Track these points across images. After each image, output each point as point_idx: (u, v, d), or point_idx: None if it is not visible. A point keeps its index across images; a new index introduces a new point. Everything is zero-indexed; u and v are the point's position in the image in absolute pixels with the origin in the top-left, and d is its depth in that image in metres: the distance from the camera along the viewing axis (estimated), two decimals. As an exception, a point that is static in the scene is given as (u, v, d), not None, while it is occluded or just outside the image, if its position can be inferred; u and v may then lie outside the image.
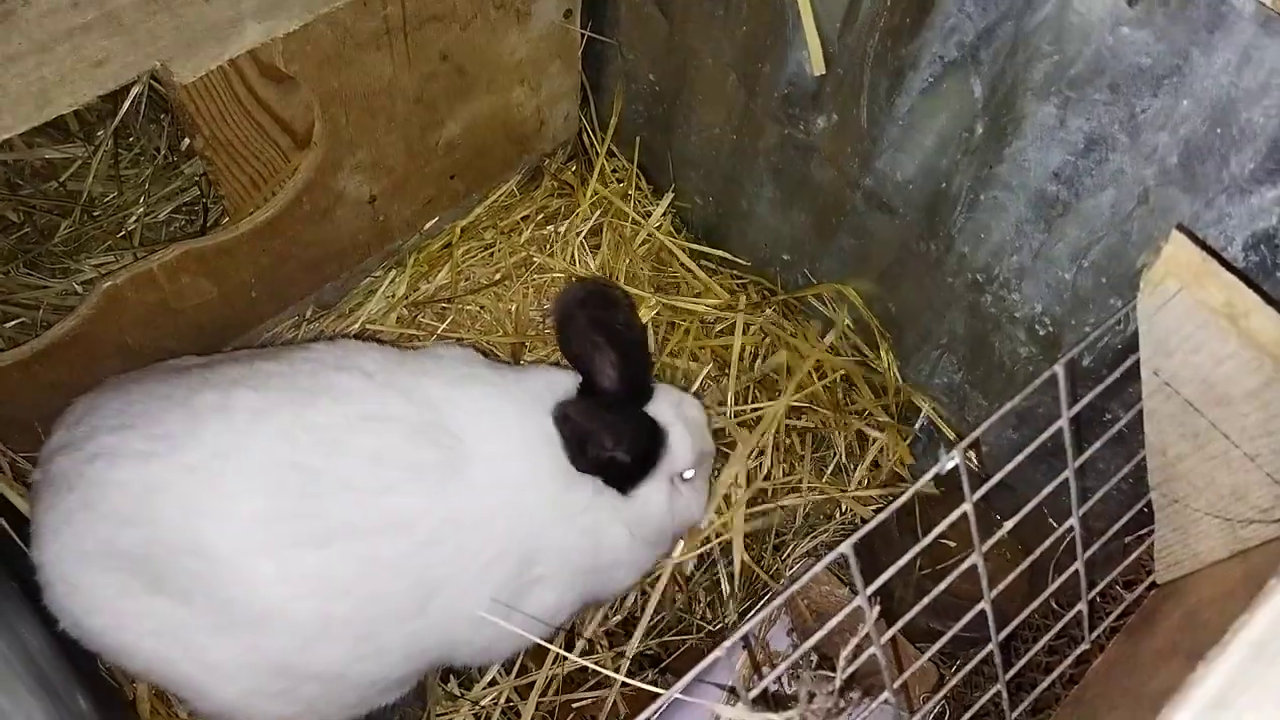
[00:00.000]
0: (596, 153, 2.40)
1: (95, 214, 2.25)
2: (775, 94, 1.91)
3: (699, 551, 1.94)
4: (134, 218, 2.23)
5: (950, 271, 1.79)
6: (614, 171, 2.45)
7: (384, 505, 1.50)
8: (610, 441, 1.61)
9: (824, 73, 1.72)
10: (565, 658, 1.81)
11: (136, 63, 1.46)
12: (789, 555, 2.04)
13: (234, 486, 1.43)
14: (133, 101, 2.24)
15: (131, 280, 1.76)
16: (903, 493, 2.11)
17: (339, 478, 1.48)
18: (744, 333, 2.17)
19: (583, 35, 2.21)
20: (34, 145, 2.31)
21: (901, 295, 1.96)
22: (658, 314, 2.24)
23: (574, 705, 1.91)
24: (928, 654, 1.45)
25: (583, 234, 2.37)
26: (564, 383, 1.73)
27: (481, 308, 2.30)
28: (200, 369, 1.59)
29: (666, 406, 1.77)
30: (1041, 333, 1.70)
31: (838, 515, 2.07)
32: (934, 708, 1.52)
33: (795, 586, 1.00)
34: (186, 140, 2.35)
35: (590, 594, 1.81)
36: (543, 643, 1.49)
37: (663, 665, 1.99)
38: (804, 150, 1.95)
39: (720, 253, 2.34)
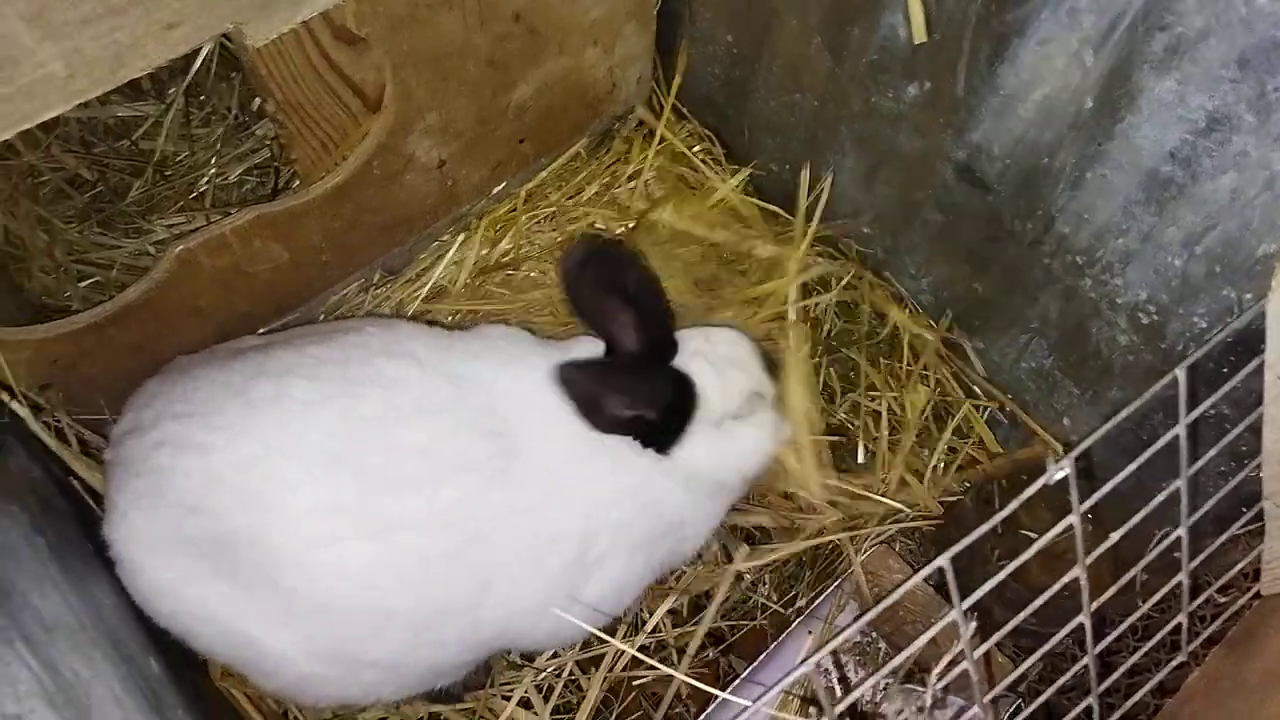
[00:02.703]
0: (666, 115, 2.32)
1: (167, 174, 2.25)
2: (864, 59, 1.81)
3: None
4: (206, 178, 2.22)
5: (1047, 253, 1.69)
6: (687, 136, 2.37)
7: (436, 498, 1.47)
8: (627, 399, 1.52)
9: (925, 40, 1.62)
10: (621, 649, 1.77)
11: (209, 25, 1.42)
12: (864, 542, 1.98)
13: (290, 479, 1.42)
14: (204, 60, 2.23)
15: (204, 244, 1.75)
16: (982, 478, 2.05)
17: (391, 471, 1.46)
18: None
19: (660, -4, 2.13)
20: (107, 102, 2.31)
21: (991, 275, 1.86)
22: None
23: (635, 682, 1.89)
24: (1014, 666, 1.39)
25: (651, 193, 2.30)
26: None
27: (544, 273, 2.26)
28: (258, 353, 1.57)
29: (691, 355, 1.65)
30: (1145, 321, 1.60)
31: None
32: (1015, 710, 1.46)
33: (887, 602, 0.95)
34: (258, 100, 2.34)
35: (663, 561, 1.75)
36: (601, 634, 1.47)
37: (726, 645, 1.97)
38: (892, 119, 1.85)
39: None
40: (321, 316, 2.11)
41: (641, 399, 1.54)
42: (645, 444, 1.61)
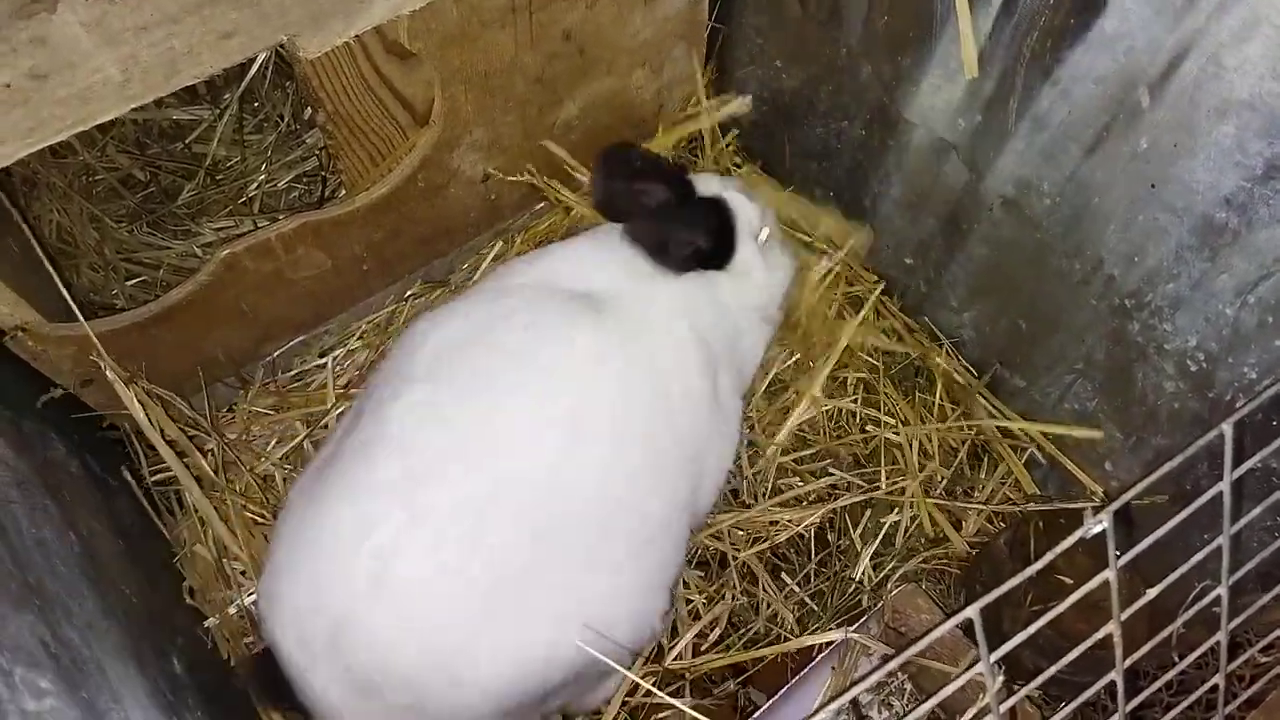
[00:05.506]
0: (709, 135, 2.33)
1: (218, 178, 2.28)
2: (913, 89, 1.79)
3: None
4: (255, 184, 2.25)
5: (1095, 293, 1.65)
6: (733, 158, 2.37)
7: (633, 431, 1.50)
8: (688, 233, 1.64)
9: (975, 76, 1.59)
10: (635, 681, 1.75)
11: (264, 36, 1.45)
12: (887, 577, 1.95)
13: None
14: (259, 67, 2.26)
15: (250, 249, 1.78)
16: (1016, 519, 2.01)
17: (517, 474, 1.39)
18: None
19: (710, 19, 2.12)
20: (163, 105, 2.36)
21: (1035, 313, 1.83)
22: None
23: (658, 707, 1.87)
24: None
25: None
26: (610, 229, 1.71)
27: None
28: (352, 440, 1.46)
29: (711, 185, 1.79)
30: (1193, 369, 1.56)
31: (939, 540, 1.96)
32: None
33: (912, 651, 0.93)
34: (310, 108, 2.38)
35: (741, 382, 1.84)
36: (615, 665, 1.40)
37: (745, 676, 1.94)
38: (939, 150, 1.83)
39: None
40: (360, 326, 2.13)
41: (698, 227, 1.66)
42: (707, 266, 1.70)
